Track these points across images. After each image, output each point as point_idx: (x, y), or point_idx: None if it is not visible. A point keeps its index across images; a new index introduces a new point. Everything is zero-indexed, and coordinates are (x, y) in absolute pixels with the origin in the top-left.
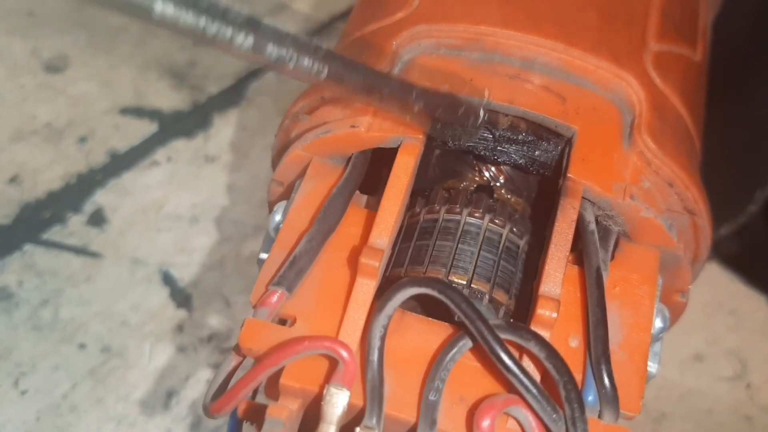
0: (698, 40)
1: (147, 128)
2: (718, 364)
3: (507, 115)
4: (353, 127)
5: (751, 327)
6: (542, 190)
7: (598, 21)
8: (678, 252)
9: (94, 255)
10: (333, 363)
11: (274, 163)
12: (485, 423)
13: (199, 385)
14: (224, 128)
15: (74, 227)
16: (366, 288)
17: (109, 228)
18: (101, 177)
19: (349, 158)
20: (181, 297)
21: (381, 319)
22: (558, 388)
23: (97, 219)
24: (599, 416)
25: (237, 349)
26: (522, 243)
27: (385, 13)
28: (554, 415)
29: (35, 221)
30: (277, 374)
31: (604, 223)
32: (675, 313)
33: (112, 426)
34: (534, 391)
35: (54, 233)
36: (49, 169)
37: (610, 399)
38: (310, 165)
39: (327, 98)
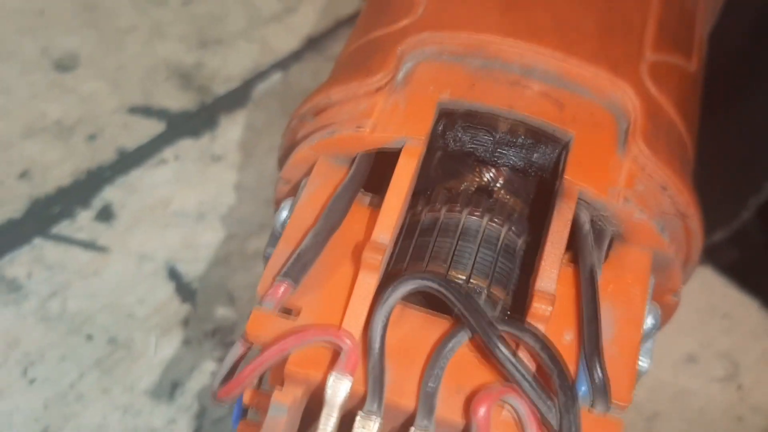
0: (693, 52)
1: (155, 127)
2: (711, 365)
3: (506, 120)
4: (358, 128)
5: (744, 330)
6: (540, 193)
7: (597, 31)
8: (670, 253)
9: (101, 249)
10: (336, 352)
11: (281, 162)
12: (482, 411)
13: (203, 376)
14: (231, 128)
15: (83, 222)
16: (368, 282)
17: (117, 223)
18: (110, 174)
19: (354, 158)
20: (187, 291)
21: (383, 311)
22: (551, 378)
23: (105, 215)
24: (591, 406)
25: (244, 337)
26: (520, 242)
27: (391, 19)
28: (548, 403)
29: (45, 216)
30: (282, 364)
31: (599, 224)
32: (667, 312)
33: (118, 415)
34: (528, 380)
35: (63, 227)
36: (59, 165)
37: (602, 390)
38: (316, 164)
39: (334, 101)
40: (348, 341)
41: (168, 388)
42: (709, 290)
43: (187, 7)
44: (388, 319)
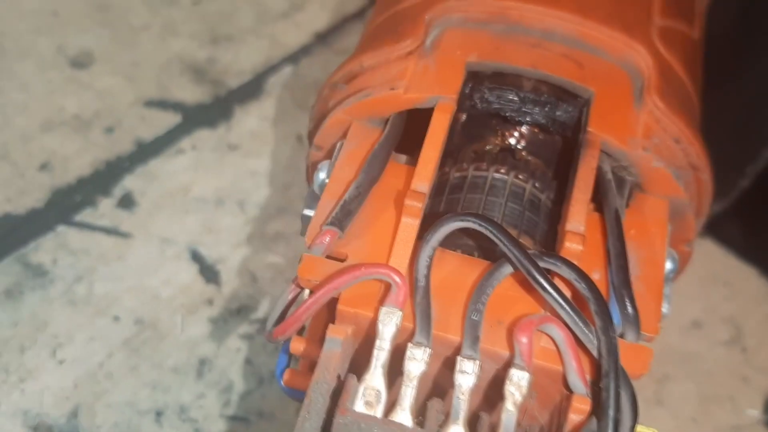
0: (695, 20)
1: (171, 119)
2: (716, 330)
3: (530, 79)
4: (392, 89)
5: (745, 296)
6: (559, 152)
7: None
8: (685, 201)
9: (124, 235)
10: (384, 291)
11: (311, 133)
12: (524, 339)
13: (230, 353)
14: (245, 119)
15: (105, 210)
16: (410, 227)
17: (139, 210)
18: (129, 164)
19: (387, 119)
20: (210, 273)
21: (427, 250)
22: (588, 305)
23: (127, 202)
24: (622, 336)
25: (295, 281)
26: (543, 197)
27: None
28: (585, 329)
29: (67, 204)
30: (322, 315)
31: (619, 174)
32: (682, 261)
33: (147, 391)
34: (567, 307)
35: (85, 215)
36: (79, 156)
37: (632, 319)
38: (352, 127)
39: (366, 66)
40: (397, 277)
41: (196, 364)
42: (711, 260)
43: (197, 6)
44: (431, 258)
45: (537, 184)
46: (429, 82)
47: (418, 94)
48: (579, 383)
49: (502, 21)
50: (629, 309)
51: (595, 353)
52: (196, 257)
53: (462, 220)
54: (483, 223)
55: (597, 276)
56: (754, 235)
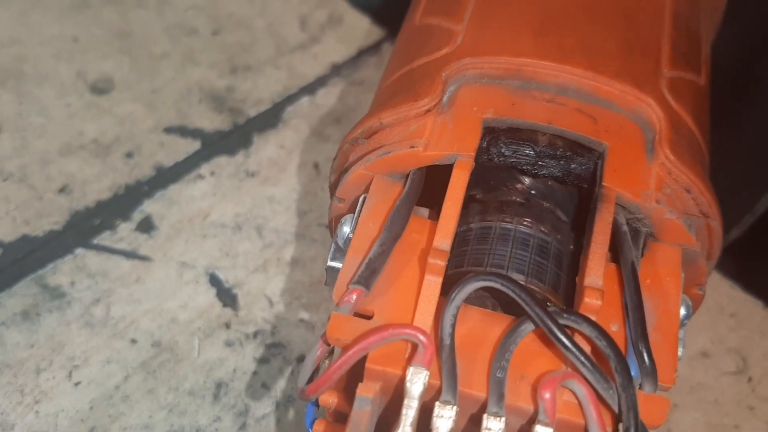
0: (702, 67)
1: (191, 146)
2: (722, 360)
3: (545, 134)
4: (412, 147)
5: (750, 327)
6: (574, 202)
7: (619, 52)
8: (697, 249)
9: (143, 258)
10: (411, 350)
11: (333, 185)
12: (547, 395)
13: (246, 377)
14: (263, 147)
15: (123, 233)
16: (434, 285)
17: (157, 234)
18: (148, 189)
19: (407, 174)
20: (227, 297)
21: (451, 309)
22: (608, 362)
23: (146, 226)
24: (640, 388)
25: (324, 339)
26: (564, 250)
27: (431, 49)
28: (606, 385)
29: (85, 227)
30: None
31: (634, 225)
32: (695, 304)
33: (163, 414)
34: (588, 364)
35: (104, 238)
36: (98, 180)
37: (650, 372)
38: (373, 182)
39: (385, 123)
40: (424, 337)
41: (212, 388)
42: (717, 292)
43: (216, 36)
44: (455, 317)
45: (559, 236)
46: (447, 139)
47: (437, 152)
48: None
49: (517, 77)
50: (647, 362)
51: (615, 408)
52: (213, 281)
53: (485, 280)
54: (506, 284)
55: (614, 327)
56: (759, 269)
